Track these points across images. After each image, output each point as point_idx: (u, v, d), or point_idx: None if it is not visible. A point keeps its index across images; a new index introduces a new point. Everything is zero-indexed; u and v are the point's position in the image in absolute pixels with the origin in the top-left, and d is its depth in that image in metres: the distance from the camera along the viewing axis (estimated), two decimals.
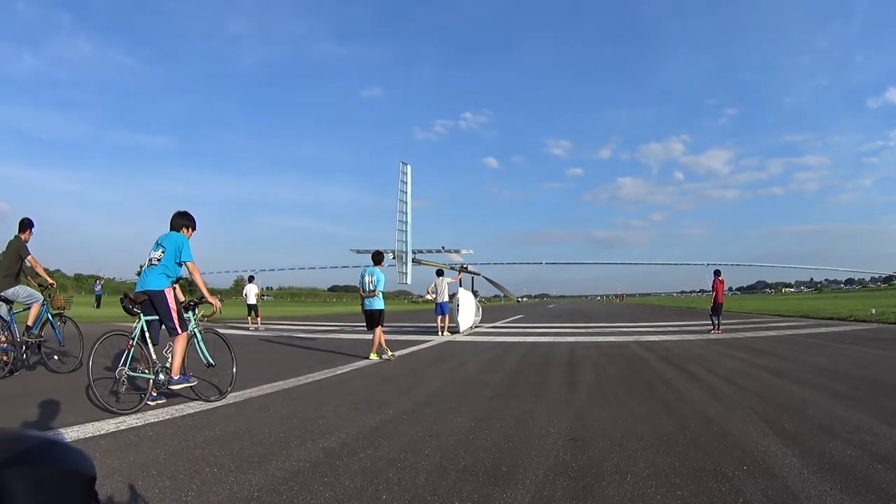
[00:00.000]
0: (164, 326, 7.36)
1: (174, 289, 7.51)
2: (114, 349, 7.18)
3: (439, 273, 22.10)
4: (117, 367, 6.91)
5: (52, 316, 10.39)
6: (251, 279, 27.30)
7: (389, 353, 12.79)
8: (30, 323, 9.81)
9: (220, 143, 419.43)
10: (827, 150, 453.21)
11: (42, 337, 10.15)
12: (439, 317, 21.10)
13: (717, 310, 20.87)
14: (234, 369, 8.04)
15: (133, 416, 6.48)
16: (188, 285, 8.15)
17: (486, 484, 4.26)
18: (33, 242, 10.07)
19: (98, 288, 51.97)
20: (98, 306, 41.89)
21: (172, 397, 7.53)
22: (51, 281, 10.58)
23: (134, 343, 6.99)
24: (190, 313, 7.70)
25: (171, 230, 7.68)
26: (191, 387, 7.36)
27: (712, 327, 20.54)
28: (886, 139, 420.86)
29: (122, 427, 5.97)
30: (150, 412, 6.73)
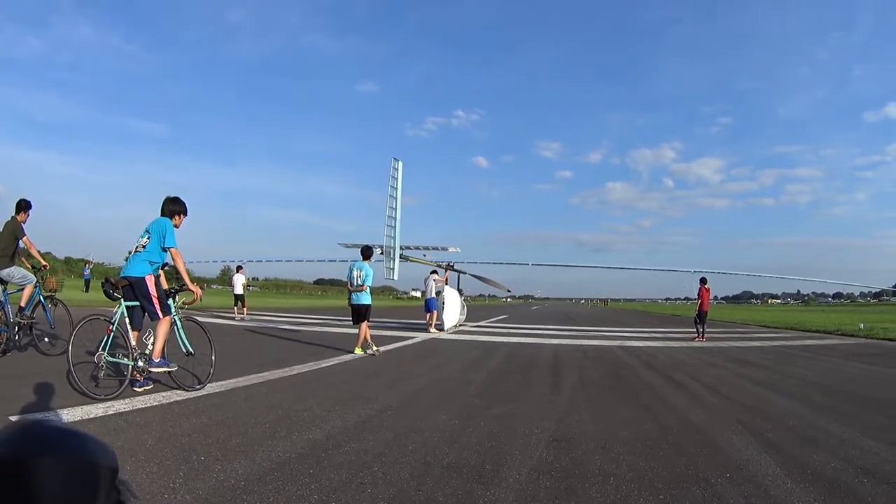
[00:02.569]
0: (146, 313, 7.39)
1: (158, 276, 7.53)
2: (97, 334, 7.15)
3: (433, 271, 22.25)
4: (97, 353, 6.91)
5: (44, 298, 10.36)
6: (239, 269, 27.27)
7: (374, 348, 12.80)
8: (23, 304, 9.81)
9: (213, 132, 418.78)
10: (820, 163, 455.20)
11: (34, 318, 10.14)
12: (427, 313, 21.24)
13: (701, 318, 21.00)
14: (213, 358, 8.03)
15: (121, 401, 6.50)
16: (174, 273, 8.14)
17: (469, 481, 4.31)
18: (28, 224, 10.05)
19: (87, 272, 51.82)
20: (87, 290, 41.74)
21: (158, 382, 7.56)
22: (44, 263, 10.51)
23: (114, 328, 7.00)
24: (170, 300, 7.68)
25: (161, 216, 7.67)
26: (170, 372, 7.38)
27: (696, 335, 20.68)
28: (883, 154, 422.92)
29: (111, 412, 5.99)
30: (138, 398, 6.76)
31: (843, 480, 4.57)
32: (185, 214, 7.89)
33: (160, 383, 7.60)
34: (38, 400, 6.37)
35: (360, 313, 13.01)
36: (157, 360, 7.21)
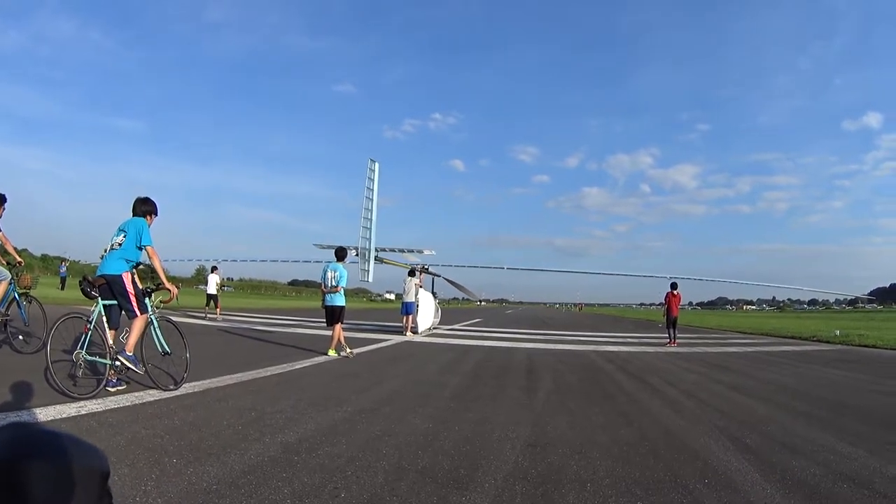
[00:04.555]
0: (123, 311, 7.37)
1: (133, 274, 7.48)
2: (74, 332, 7.13)
3: (411, 273, 22.18)
4: (75, 351, 6.85)
5: (19, 295, 10.17)
6: (214, 269, 27.10)
7: (348, 350, 12.80)
8: None
9: (190, 130, 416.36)
10: (798, 171, 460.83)
11: (8, 315, 9.96)
12: (404, 316, 21.17)
13: (671, 323, 21.04)
14: (188, 357, 8.02)
15: (94, 401, 6.44)
16: (149, 272, 8.12)
17: (444, 486, 4.30)
18: (4, 219, 9.86)
19: (63, 270, 51.43)
20: (63, 288, 41.41)
21: (132, 381, 7.51)
22: (19, 259, 10.29)
23: (91, 327, 6.97)
24: (147, 299, 7.64)
25: (133, 216, 7.68)
26: (140, 370, 7.36)
27: (668, 340, 20.72)
28: (860, 163, 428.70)
29: (83, 412, 5.93)
30: (111, 398, 6.69)
31: (822, 486, 4.58)
32: (156, 214, 7.98)
33: (135, 382, 7.56)
34: (12, 398, 6.30)
35: (333, 315, 13.01)
36: (128, 354, 7.20)
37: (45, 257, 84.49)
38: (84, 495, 0.83)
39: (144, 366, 7.37)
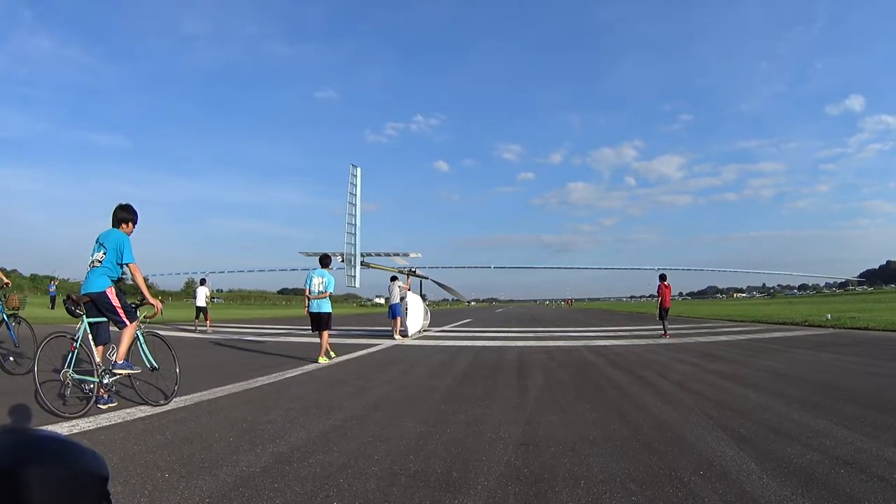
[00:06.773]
0: (112, 323, 7.39)
1: (115, 287, 7.47)
2: (62, 351, 7.11)
3: (393, 278, 22.28)
4: (63, 370, 6.85)
5: (7, 316, 10.17)
6: (203, 282, 27.01)
7: (332, 355, 12.93)
8: None
9: (173, 143, 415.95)
10: (782, 157, 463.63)
11: None
12: (392, 320, 21.31)
13: (663, 314, 21.16)
14: (178, 371, 7.97)
15: (85, 419, 6.44)
16: (132, 290, 8.11)
17: (437, 490, 4.30)
18: None
19: (52, 289, 51.17)
20: (53, 307, 41.20)
21: (122, 398, 7.50)
22: (6, 281, 10.30)
23: (77, 345, 6.97)
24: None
25: (112, 224, 7.64)
26: (131, 377, 7.45)
27: (663, 332, 20.82)
28: (845, 146, 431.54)
29: (75, 431, 5.94)
30: (102, 416, 6.69)
31: (819, 472, 4.55)
32: (136, 223, 7.88)
33: (125, 398, 7.57)
34: (4, 419, 6.32)
35: (320, 321, 13.11)
36: (120, 363, 7.23)
37: (34, 277, 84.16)
38: (83, 499, 0.85)
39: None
